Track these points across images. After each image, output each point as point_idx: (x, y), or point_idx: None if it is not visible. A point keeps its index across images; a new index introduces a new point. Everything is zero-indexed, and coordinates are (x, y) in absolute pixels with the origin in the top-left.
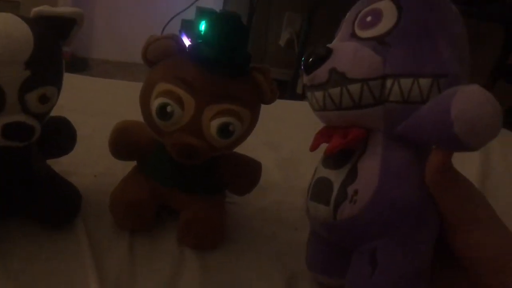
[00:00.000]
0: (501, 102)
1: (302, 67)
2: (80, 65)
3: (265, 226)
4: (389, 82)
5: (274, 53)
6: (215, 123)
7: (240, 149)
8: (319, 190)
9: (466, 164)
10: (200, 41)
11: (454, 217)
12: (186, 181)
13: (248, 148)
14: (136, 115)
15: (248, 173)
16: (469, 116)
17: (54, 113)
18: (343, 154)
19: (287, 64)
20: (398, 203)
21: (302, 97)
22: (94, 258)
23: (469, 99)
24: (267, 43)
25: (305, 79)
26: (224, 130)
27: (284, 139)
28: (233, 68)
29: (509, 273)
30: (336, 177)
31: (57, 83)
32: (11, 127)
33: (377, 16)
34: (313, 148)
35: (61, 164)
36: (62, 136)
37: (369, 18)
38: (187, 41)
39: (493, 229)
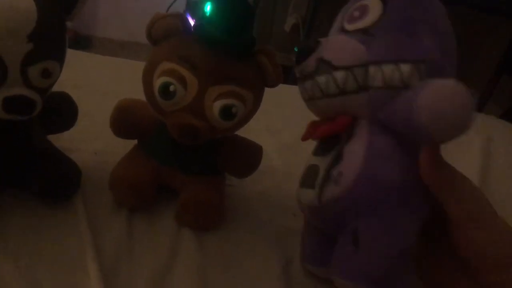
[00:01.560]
0: (506, 96)
1: (294, 58)
2: (84, 43)
3: (263, 210)
4: (372, 69)
5: (279, 38)
6: (217, 105)
7: (241, 133)
8: (307, 176)
9: (467, 156)
10: (205, 20)
11: (455, 215)
12: (186, 161)
13: (249, 132)
14: (138, 94)
15: (248, 156)
16: (432, 108)
17: (55, 88)
18: (331, 141)
19: (291, 50)
20: (380, 183)
21: None
22: (92, 235)
23: (436, 92)
24: (272, 28)
25: (296, 71)
26: (226, 112)
27: (285, 124)
28: (238, 49)
29: (510, 271)
30: (322, 162)
31: (60, 58)
32: (12, 100)
33: (364, 11)
34: (304, 138)
35: (61, 140)
36: (63, 111)
37: (356, 13)
38: (191, 22)
39: (494, 227)
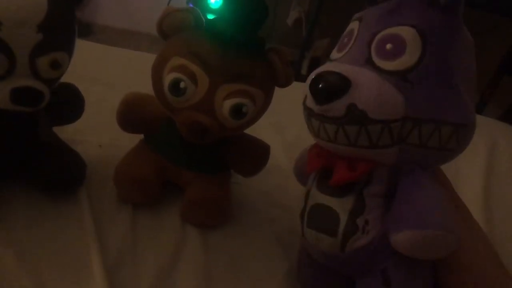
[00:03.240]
0: (504, 98)
1: (311, 93)
2: (84, 30)
3: (268, 209)
4: (409, 124)
5: (281, 32)
6: (228, 103)
7: (246, 130)
8: (320, 219)
9: (472, 160)
10: (217, 16)
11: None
12: (193, 159)
13: (254, 129)
14: (144, 85)
15: (256, 156)
16: (408, 251)
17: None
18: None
19: (293, 44)
20: None
21: (306, 78)
22: (96, 229)
23: (411, 241)
24: (275, 22)
25: (311, 104)
26: (237, 111)
27: (290, 121)
28: (250, 47)
29: None
30: (341, 207)
31: (69, 49)
32: (20, 92)
33: (400, 45)
34: (311, 169)
35: (66, 132)
36: (70, 103)
37: (389, 46)
38: (203, 17)
39: (486, 273)
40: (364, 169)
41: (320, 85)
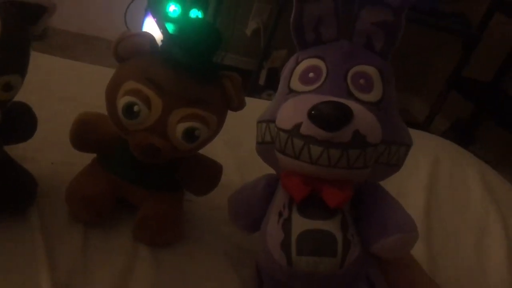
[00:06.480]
0: (451, 112)
1: (319, 121)
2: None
3: (221, 226)
4: (382, 147)
5: (239, 41)
6: (181, 127)
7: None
8: (317, 244)
9: (414, 179)
10: (173, 42)
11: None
12: (146, 178)
13: (208, 146)
14: (98, 100)
15: (208, 176)
16: (388, 254)
17: None
18: (320, 202)
19: (251, 54)
20: None
21: (264, 88)
22: (46, 249)
23: (393, 245)
24: (234, 31)
25: (313, 132)
26: (189, 135)
27: (244, 137)
28: (204, 73)
29: None
30: (334, 227)
31: (22, 71)
32: None
33: (369, 81)
34: (300, 197)
35: (17, 149)
36: (22, 123)
37: (362, 81)
38: (152, 21)
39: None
40: (351, 188)
41: (329, 114)
